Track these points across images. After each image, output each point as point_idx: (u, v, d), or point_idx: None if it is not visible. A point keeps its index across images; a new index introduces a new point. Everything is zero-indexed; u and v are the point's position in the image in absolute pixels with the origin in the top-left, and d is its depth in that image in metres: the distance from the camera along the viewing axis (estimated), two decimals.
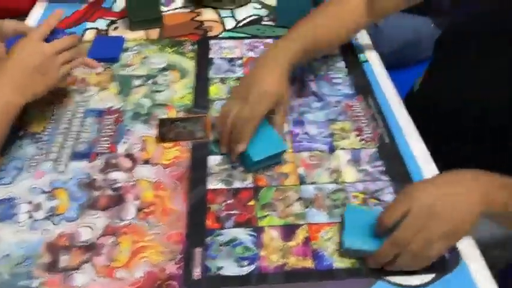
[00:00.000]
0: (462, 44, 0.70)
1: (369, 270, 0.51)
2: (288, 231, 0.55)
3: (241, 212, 0.57)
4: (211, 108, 0.71)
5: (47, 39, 0.62)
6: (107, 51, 0.81)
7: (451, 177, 0.51)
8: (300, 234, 0.54)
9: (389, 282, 0.50)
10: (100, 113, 0.70)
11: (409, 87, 0.91)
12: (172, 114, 0.70)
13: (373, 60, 0.83)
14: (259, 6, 0.97)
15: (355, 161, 0.64)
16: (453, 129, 0.73)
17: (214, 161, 0.63)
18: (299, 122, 0.69)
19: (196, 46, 0.84)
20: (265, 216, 0.56)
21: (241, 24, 0.91)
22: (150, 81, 0.76)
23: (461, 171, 0.51)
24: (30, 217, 0.55)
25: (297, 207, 0.57)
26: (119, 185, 0.59)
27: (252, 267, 0.51)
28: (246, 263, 0.52)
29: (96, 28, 0.89)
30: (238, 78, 0.77)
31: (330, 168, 0.62)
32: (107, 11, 0.94)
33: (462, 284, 0.51)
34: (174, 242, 0.53)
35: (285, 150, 0.63)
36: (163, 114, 0.70)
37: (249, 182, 0.60)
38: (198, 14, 0.94)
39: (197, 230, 0.55)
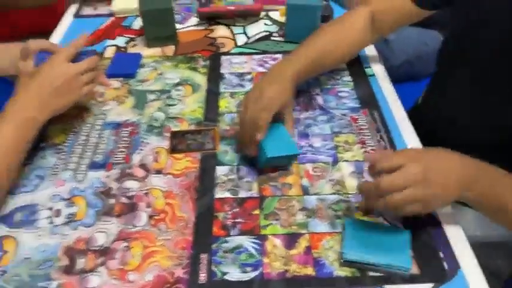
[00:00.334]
0: (460, 55, 0.71)
1: (370, 279, 0.53)
2: (291, 239, 0.57)
3: (246, 220, 0.59)
4: (221, 120, 0.75)
5: (73, 59, 0.67)
6: (125, 67, 0.86)
7: (446, 154, 0.55)
8: (302, 243, 0.57)
9: None
10: (117, 126, 0.74)
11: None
12: (184, 127, 0.74)
13: (379, 74, 0.85)
14: (270, 23, 1.01)
15: (358, 172, 0.66)
16: (455, 142, 0.74)
17: (221, 171, 0.66)
18: (304, 135, 0.72)
19: (208, 62, 0.88)
20: (269, 225, 0.59)
21: (251, 40, 0.95)
22: (164, 96, 0.80)
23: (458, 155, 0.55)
24: (50, 222, 0.59)
25: (300, 217, 0.60)
26: (132, 193, 0.63)
27: (255, 273, 0.54)
28: (249, 269, 0.54)
29: (116, 45, 0.94)
30: (247, 93, 0.80)
31: (333, 180, 0.65)
32: (126, 28, 0.99)
33: None
34: (182, 248, 0.56)
35: (297, 155, 0.66)
36: (176, 127, 0.74)
37: (254, 192, 0.63)
38: (212, 31, 0.98)
39: (204, 237, 0.57)
